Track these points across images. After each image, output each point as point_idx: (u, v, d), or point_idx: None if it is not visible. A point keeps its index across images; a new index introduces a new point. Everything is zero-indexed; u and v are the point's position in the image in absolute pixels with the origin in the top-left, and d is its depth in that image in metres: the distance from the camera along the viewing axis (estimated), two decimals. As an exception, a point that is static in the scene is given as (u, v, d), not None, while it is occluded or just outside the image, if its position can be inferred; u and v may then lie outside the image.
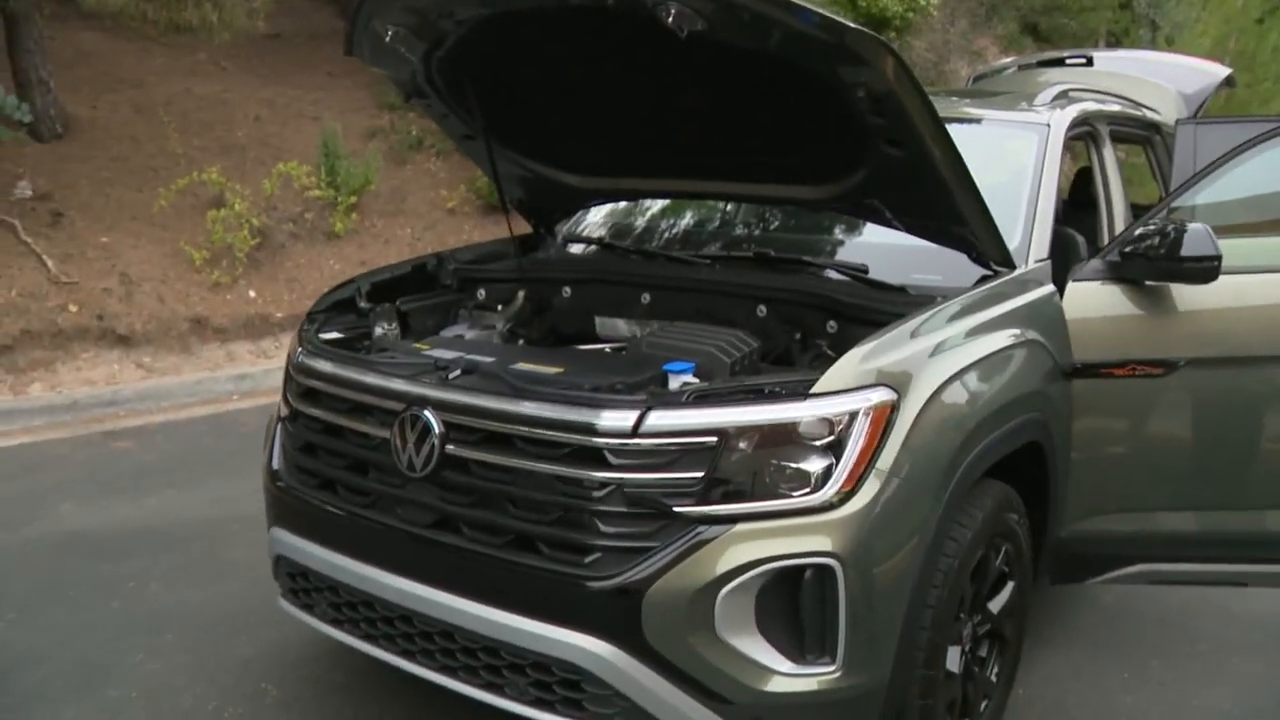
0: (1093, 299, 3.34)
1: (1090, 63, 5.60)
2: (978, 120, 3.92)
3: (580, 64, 3.24)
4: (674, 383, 2.73)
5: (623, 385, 2.65)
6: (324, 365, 3.02)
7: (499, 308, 3.79)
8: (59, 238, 7.86)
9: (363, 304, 3.58)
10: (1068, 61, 5.73)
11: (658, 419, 2.42)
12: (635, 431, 2.42)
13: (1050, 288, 3.29)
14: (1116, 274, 3.33)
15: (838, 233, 3.75)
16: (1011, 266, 3.17)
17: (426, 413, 2.69)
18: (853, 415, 2.45)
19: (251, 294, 8.31)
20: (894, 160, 2.86)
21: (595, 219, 4.28)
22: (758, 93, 2.98)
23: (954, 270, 3.19)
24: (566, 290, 3.76)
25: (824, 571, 2.41)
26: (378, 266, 3.99)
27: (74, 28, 10.33)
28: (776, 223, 4.02)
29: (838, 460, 2.43)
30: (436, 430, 2.67)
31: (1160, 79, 5.50)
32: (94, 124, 9.32)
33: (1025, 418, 2.98)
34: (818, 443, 2.44)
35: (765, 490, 2.43)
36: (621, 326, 3.66)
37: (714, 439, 2.41)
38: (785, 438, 2.43)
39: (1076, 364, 3.26)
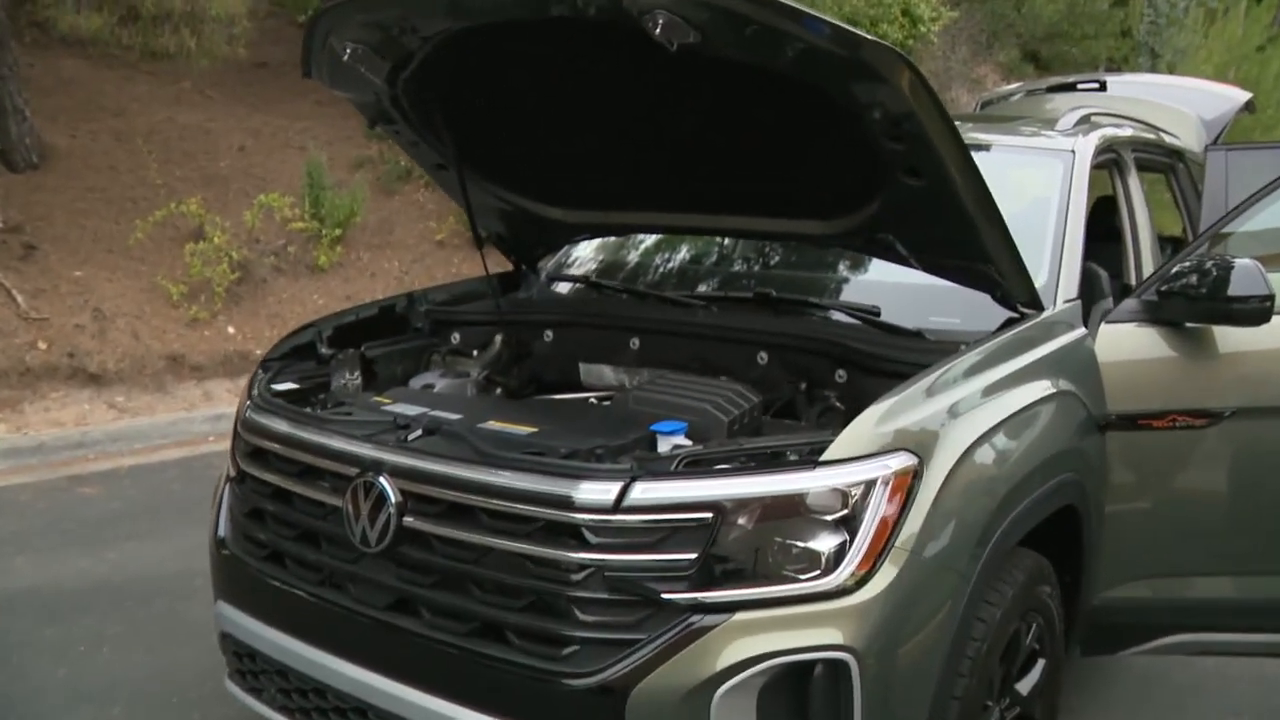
0: (1127, 343, 3.02)
1: (1104, 87, 5.31)
2: (993, 147, 3.61)
3: (560, 85, 2.94)
4: (663, 445, 2.41)
5: (604, 450, 2.32)
6: (273, 422, 2.70)
7: (474, 353, 3.48)
8: (30, 272, 7.55)
9: (324, 350, 3.26)
10: (1079, 87, 5.45)
11: (644, 491, 2.10)
12: (617, 506, 2.09)
13: (1082, 331, 2.98)
14: (1153, 315, 3.02)
15: (846, 270, 3.45)
16: (1039, 308, 2.86)
17: (382, 479, 2.37)
18: (869, 485, 2.13)
19: (231, 330, 8.00)
20: (912, 191, 2.55)
21: (583, 255, 3.97)
22: (759, 115, 2.68)
23: (975, 312, 2.88)
24: (548, 334, 3.45)
25: (837, 667, 2.08)
26: (355, 304, 3.67)
27: (55, 55, 10.06)
28: (779, 258, 3.71)
29: (852, 538, 2.11)
30: (393, 500, 2.35)
31: (1179, 104, 5.20)
32: (72, 153, 9.03)
33: (1060, 479, 2.66)
34: (829, 517, 2.11)
35: (768, 573, 2.10)
36: (608, 374, 3.35)
37: (709, 515, 2.08)
38: (792, 512, 2.11)
39: (1110, 415, 2.94)
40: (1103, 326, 3.01)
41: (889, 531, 2.13)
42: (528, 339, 3.48)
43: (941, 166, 2.43)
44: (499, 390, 3.45)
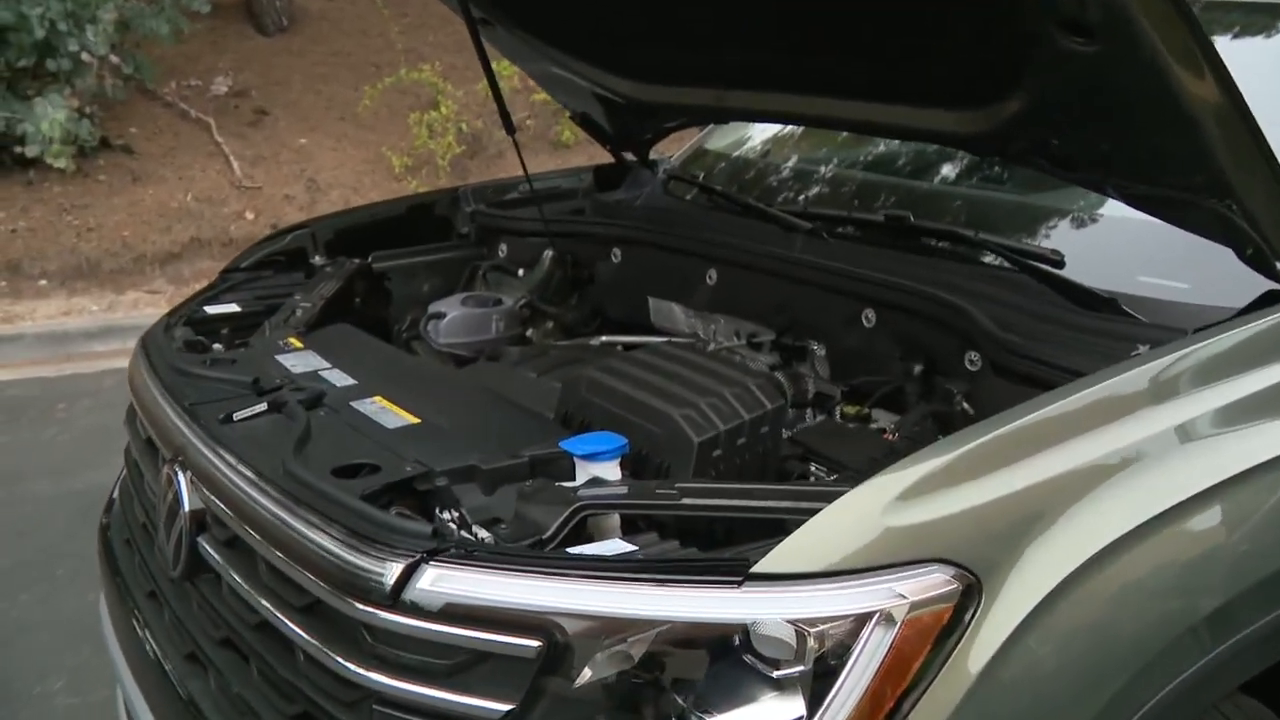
0: None
1: None
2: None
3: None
4: (581, 475, 1.46)
5: (446, 479, 1.42)
6: (139, 366, 1.99)
7: (520, 272, 2.63)
8: (255, 138, 7.35)
9: (316, 258, 2.52)
10: None
11: (436, 581, 1.19)
12: (396, 599, 1.20)
13: None
14: None
15: (1045, 190, 2.27)
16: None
17: (180, 476, 1.60)
18: (856, 625, 1.12)
19: (451, 208, 7.54)
20: (1083, 64, 1.43)
21: (728, 147, 2.99)
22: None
23: (1217, 274, 1.70)
24: (616, 253, 2.54)
25: None
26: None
27: (327, -86, 9.86)
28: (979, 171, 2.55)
29: (812, 717, 1.12)
30: (185, 507, 1.57)
31: None
32: (324, 16, 8.79)
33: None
34: (773, 673, 1.12)
35: (640, 759, 1.16)
36: (679, 316, 2.41)
37: (534, 641, 1.15)
38: (696, 657, 1.14)
39: None
40: None
41: (885, 716, 1.12)
42: (590, 258, 2.59)
43: (1126, 16, 1.30)
44: (549, 324, 2.60)
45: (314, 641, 1.30)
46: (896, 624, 1.11)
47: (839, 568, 1.12)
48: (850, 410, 1.96)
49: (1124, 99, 1.46)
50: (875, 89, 1.98)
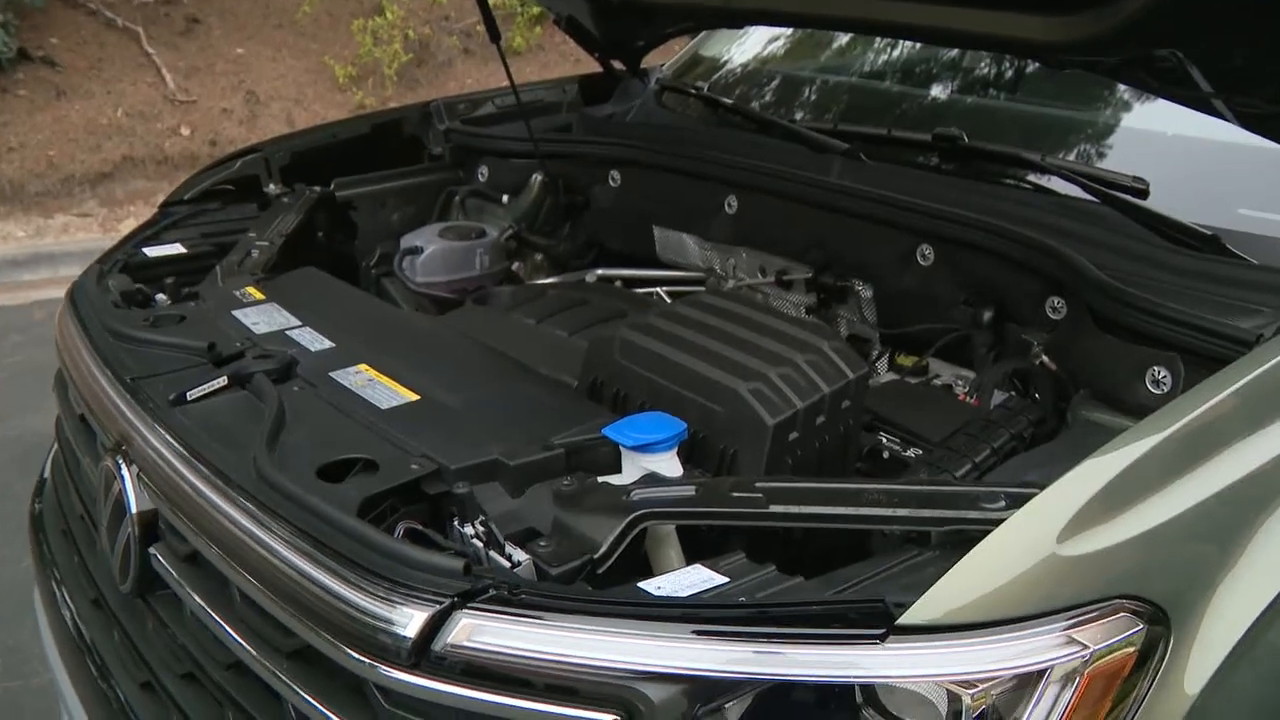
0: None
1: None
2: None
3: None
4: (630, 469, 1.18)
5: (465, 481, 1.13)
6: (67, 327, 1.66)
7: (504, 199, 2.32)
8: (188, 48, 6.84)
9: (271, 186, 2.19)
10: None
11: (473, 635, 0.91)
12: (420, 657, 0.92)
13: None
14: None
15: (1107, 106, 2.00)
16: None
17: (124, 470, 1.30)
18: (1022, 683, 0.86)
19: (399, 120, 7.10)
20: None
21: (739, 55, 2.67)
22: None
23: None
24: (614, 176, 2.23)
25: None
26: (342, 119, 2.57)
27: None
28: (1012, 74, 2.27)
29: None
30: (133, 509, 1.28)
31: None
32: (258, -87, 8.19)
33: None
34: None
35: None
36: (690, 248, 2.13)
37: (610, 715, 0.88)
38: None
39: None
40: None
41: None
42: (584, 181, 2.28)
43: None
44: (538, 257, 2.31)
45: (307, 698, 1.02)
46: (1075, 680, 0.86)
47: (1008, 615, 0.86)
48: (906, 361, 1.70)
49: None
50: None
